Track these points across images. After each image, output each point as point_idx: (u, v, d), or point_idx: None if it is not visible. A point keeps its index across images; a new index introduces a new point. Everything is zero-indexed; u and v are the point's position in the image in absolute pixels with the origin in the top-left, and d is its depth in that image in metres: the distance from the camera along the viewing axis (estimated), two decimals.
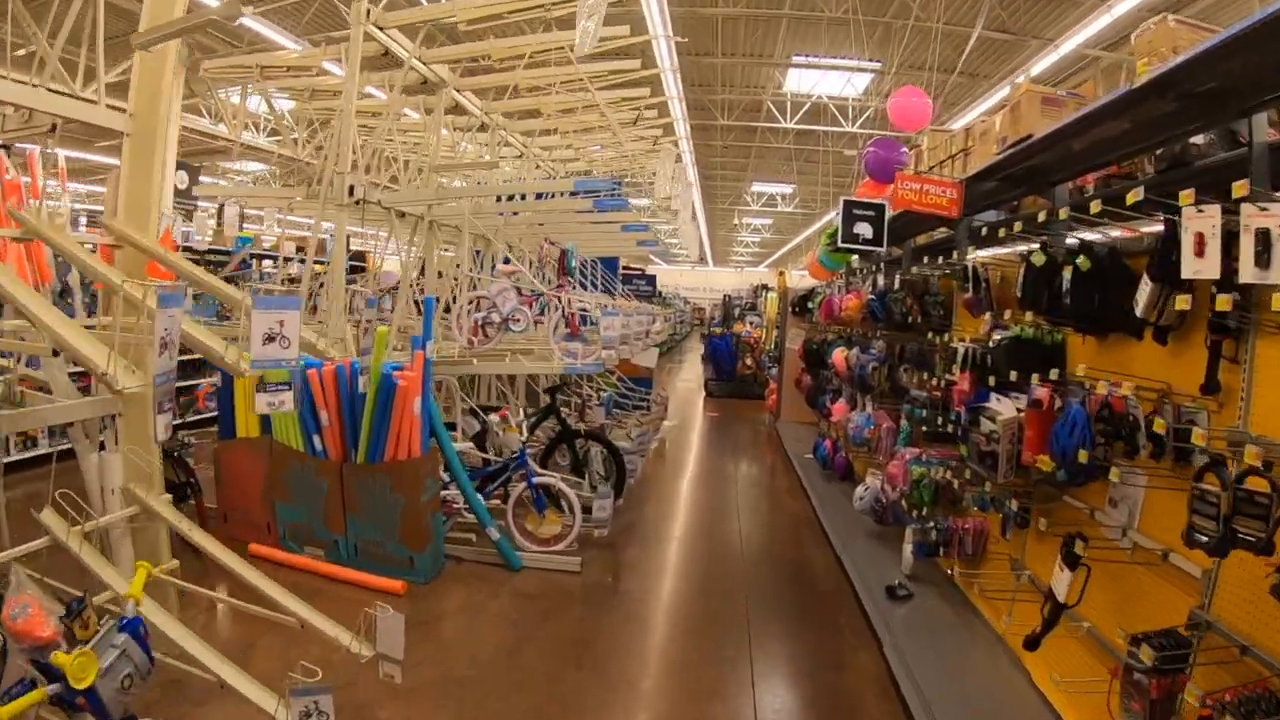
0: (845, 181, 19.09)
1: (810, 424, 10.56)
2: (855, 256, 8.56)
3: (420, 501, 5.23)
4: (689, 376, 19.84)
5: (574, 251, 6.09)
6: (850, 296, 5.89)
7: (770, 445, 10.57)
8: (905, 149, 6.51)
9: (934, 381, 4.87)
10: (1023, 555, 4.06)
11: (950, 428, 4.23)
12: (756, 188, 25.80)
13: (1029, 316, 3.39)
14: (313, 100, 7.84)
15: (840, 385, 7.15)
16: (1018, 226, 3.69)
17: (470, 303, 6.43)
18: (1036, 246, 3.43)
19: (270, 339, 2.61)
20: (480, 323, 6.29)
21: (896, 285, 5.26)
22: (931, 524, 4.58)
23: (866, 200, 5.08)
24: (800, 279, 16.26)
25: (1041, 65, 11.43)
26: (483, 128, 7.94)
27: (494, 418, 5.66)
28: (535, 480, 5.63)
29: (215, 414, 7.36)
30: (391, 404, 5.15)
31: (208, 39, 12.10)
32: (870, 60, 13.51)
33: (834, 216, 8.40)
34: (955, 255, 5.22)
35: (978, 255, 4.35)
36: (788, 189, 25.29)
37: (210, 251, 10.59)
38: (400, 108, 7.48)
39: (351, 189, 5.93)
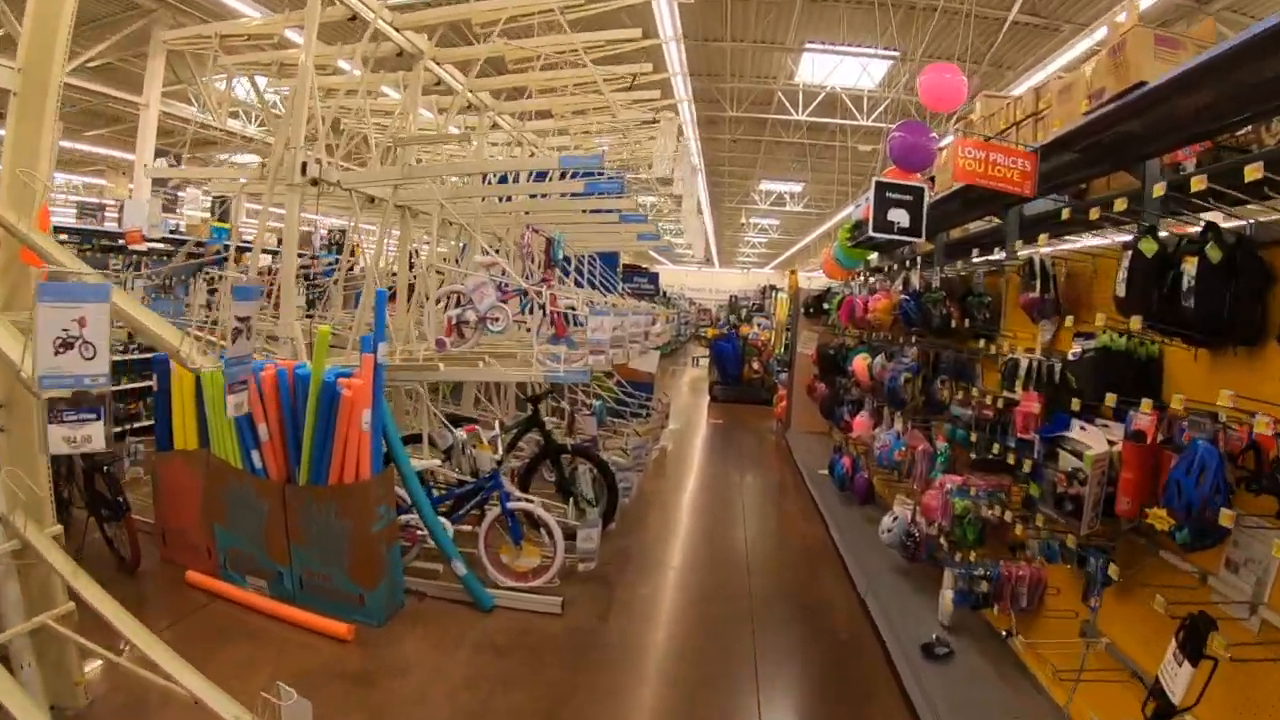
0: (859, 181, 18.26)
1: (822, 434, 9.77)
2: (874, 254, 7.79)
3: (370, 531, 4.47)
4: (693, 379, 19.05)
5: (561, 241, 5.32)
6: (879, 297, 5.11)
7: (780, 458, 9.77)
8: (934, 134, 5.71)
9: (978, 397, 4.09)
10: (1095, 616, 3.27)
11: (1010, 457, 3.43)
12: (765, 186, 24.99)
13: (1135, 322, 2.59)
14: (282, 76, 7.07)
15: (861, 396, 6.36)
16: (1094, 213, 2.90)
17: (444, 299, 5.68)
18: (1137, 234, 2.64)
19: (66, 346, 1.83)
20: (455, 321, 5.53)
21: (935, 284, 4.48)
22: (980, 571, 3.79)
23: (903, 182, 4.29)
24: (809, 280, 15.47)
25: (1073, 54, 10.62)
26: (470, 108, 7.19)
27: (461, 433, 4.89)
28: (510, 505, 4.86)
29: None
30: (335, 417, 4.39)
31: (184, 16, 11.41)
32: (889, 49, 12.72)
33: (850, 213, 7.62)
34: (1004, 249, 4.44)
35: (1041, 249, 3.55)
36: (797, 187, 24.47)
37: (166, 240, 9.85)
38: (376, 85, 6.73)
39: (304, 167, 5.16)
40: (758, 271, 44.42)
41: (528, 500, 4.90)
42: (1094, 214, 3.03)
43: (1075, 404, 2.90)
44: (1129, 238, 2.77)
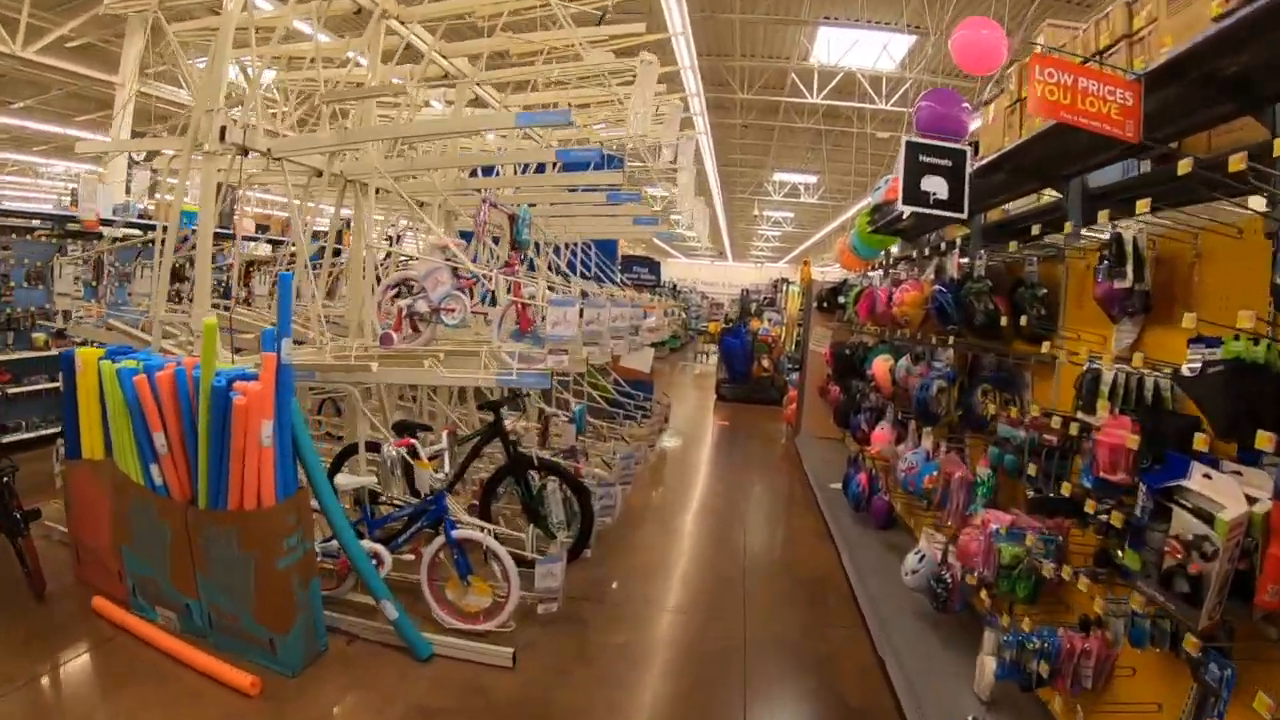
0: (876, 171, 17.30)
1: (835, 440, 8.90)
2: (895, 245, 6.91)
3: (276, 567, 3.68)
4: (701, 375, 18.19)
5: (526, 218, 4.47)
6: (907, 288, 4.22)
7: (788, 467, 8.89)
8: (967, 104, 4.83)
9: (1037, 416, 3.22)
10: (1189, 707, 2.41)
11: (1089, 505, 2.56)
12: (778, 177, 24.05)
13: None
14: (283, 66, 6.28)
15: (881, 403, 5.49)
16: (1236, 163, 2.01)
17: (392, 287, 4.86)
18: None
19: None
20: (406, 312, 4.71)
21: (978, 272, 3.61)
22: (1034, 642, 2.93)
23: (941, 143, 3.42)
24: (823, 273, 14.57)
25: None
26: (446, 78, 6.36)
27: (390, 449, 4.07)
28: (455, 534, 4.05)
29: None
30: (229, 429, 3.59)
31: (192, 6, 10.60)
32: (910, 26, 11.81)
33: (869, 202, 6.75)
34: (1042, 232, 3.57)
35: (1129, 222, 2.68)
36: (811, 178, 23.53)
37: (134, 225, 9.09)
38: (341, 52, 5.90)
39: (224, 131, 4.36)
40: (771, 266, 43.54)
41: (475, 528, 4.08)
42: (1235, 162, 2.15)
43: (1200, 441, 2.03)
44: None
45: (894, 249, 6.94)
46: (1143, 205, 2.34)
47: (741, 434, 11.29)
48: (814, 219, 29.78)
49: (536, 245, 6.49)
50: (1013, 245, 3.47)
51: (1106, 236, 2.85)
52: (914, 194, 3.36)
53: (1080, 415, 2.68)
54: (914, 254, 5.77)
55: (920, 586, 4.03)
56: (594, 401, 8.58)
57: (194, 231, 8.44)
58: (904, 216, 4.59)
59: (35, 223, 8.00)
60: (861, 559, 5.12)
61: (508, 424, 5.47)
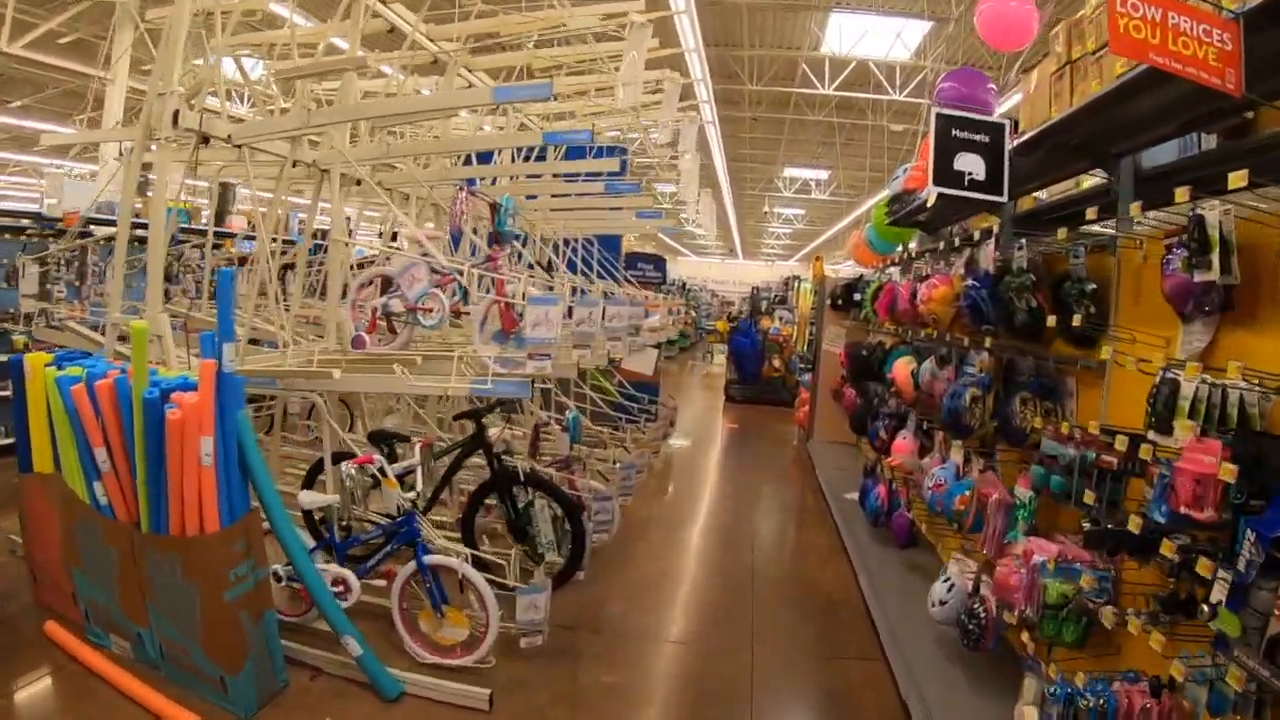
0: (890, 166, 16.79)
1: (850, 444, 8.42)
2: (914, 240, 6.45)
3: (223, 599, 3.29)
4: (711, 375, 17.74)
5: (509, 208, 4.05)
6: (935, 283, 3.76)
7: (800, 475, 8.44)
8: (992, 85, 4.37)
9: (1093, 433, 2.77)
10: None
11: (1167, 547, 2.11)
12: (789, 172, 23.53)
13: None
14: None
15: (902, 409, 5.04)
16: None
17: (367, 284, 4.47)
18: None
19: None
20: (381, 312, 4.31)
21: (1019, 265, 3.15)
22: (1087, 698, 2.48)
23: (977, 116, 2.97)
24: (836, 272, 14.06)
25: None
26: (435, 64, 5.96)
27: (348, 466, 3.65)
28: (427, 560, 3.63)
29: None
30: (165, 446, 3.19)
31: None
32: (925, 12, 11.31)
33: (886, 194, 6.28)
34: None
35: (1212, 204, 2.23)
36: (823, 174, 23.01)
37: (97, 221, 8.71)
38: (322, 36, 5.49)
39: (176, 116, 3.97)
40: (782, 264, 43.04)
41: (451, 554, 3.66)
42: None
43: None
44: None
45: (913, 244, 6.48)
46: (1238, 178, 1.88)
47: (751, 437, 10.85)
48: (826, 216, 29.23)
49: (527, 238, 6.07)
50: (1061, 233, 3.01)
51: (1168, 221, 2.40)
52: (947, 174, 2.92)
53: (1153, 435, 2.23)
54: (936, 247, 5.32)
55: (949, 619, 3.58)
56: (596, 405, 8.16)
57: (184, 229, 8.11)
58: (927, 204, 4.13)
59: (23, 222, 7.67)
60: (881, 581, 4.67)
61: (493, 433, 5.07)
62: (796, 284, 16.30)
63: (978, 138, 2.99)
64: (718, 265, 44.44)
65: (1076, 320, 2.88)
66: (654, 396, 9.46)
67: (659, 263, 11.55)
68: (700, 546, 5.78)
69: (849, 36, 12.55)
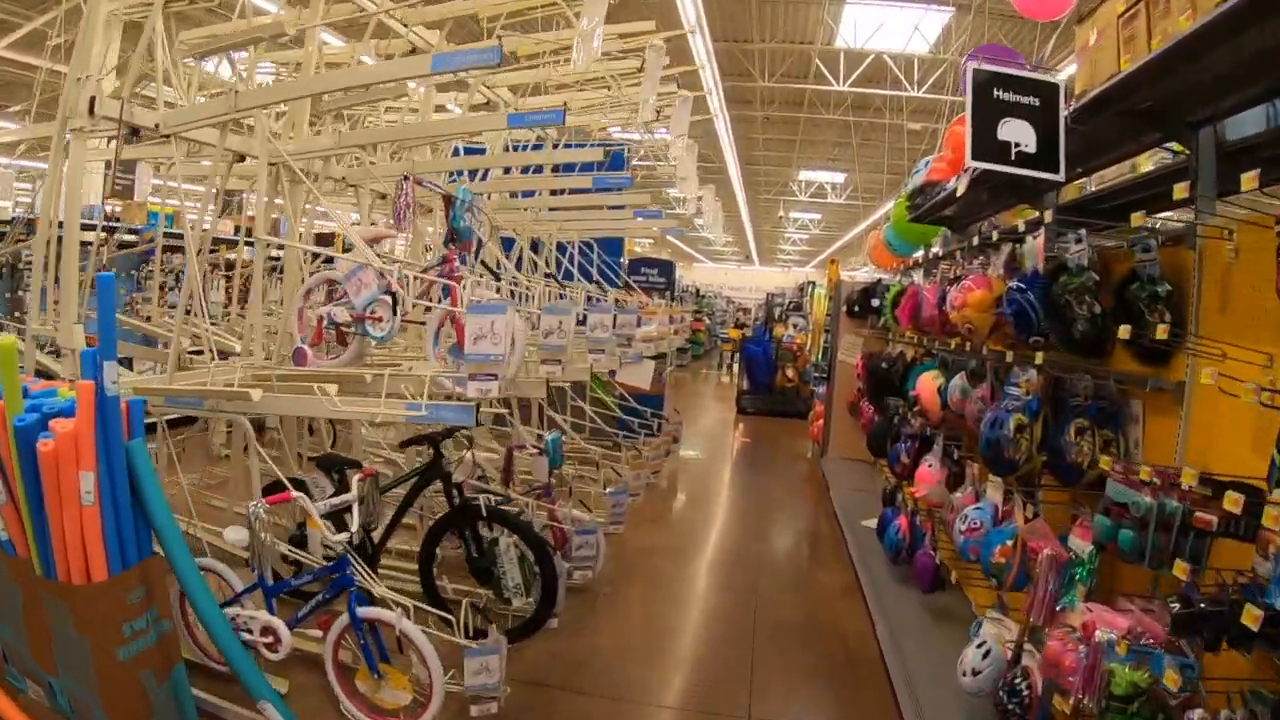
0: (909, 167, 16.13)
1: (866, 462, 7.78)
2: (938, 240, 5.82)
3: (117, 658, 2.73)
4: (723, 385, 17.10)
5: (466, 199, 3.47)
6: (970, 286, 3.08)
7: (813, 496, 7.78)
8: (1024, 63, 3.74)
9: (1182, 479, 2.13)
10: None
11: None
12: (804, 175, 22.89)
13: None
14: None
15: (927, 430, 4.39)
16: None
17: (315, 289, 3.92)
18: None
19: None
20: (326, 322, 3.75)
21: (1078, 262, 2.53)
22: None
23: (1026, 73, 2.35)
24: (852, 277, 13.39)
25: None
26: (414, 52, 5.41)
27: (256, 505, 3.06)
28: (361, 614, 3.05)
29: None
30: (40, 481, 2.63)
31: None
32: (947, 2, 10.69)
33: (907, 188, 5.66)
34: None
35: None
36: (839, 177, 22.36)
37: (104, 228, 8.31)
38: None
39: (93, 103, 3.46)
40: (798, 270, 42.46)
41: (388, 606, 3.07)
42: None
43: None
44: None
45: (936, 246, 5.85)
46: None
47: (762, 453, 10.21)
48: (843, 221, 28.57)
49: (506, 240, 5.51)
50: (1137, 217, 2.38)
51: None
52: (989, 145, 2.32)
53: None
54: (967, 244, 4.67)
55: (983, 692, 2.94)
56: (592, 421, 7.57)
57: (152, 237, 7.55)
58: (957, 194, 3.51)
59: None
60: (902, 630, 4.03)
61: (464, 457, 4.49)
62: (811, 289, 15.63)
63: (1026, 100, 2.38)
64: (734, 271, 44.17)
65: (1159, 332, 2.25)
66: (658, 410, 8.85)
67: (665, 267, 10.95)
68: (699, 585, 5.15)
69: (864, 29, 11.94)
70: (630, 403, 8.40)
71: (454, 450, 4.43)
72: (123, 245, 8.24)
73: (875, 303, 6.46)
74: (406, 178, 3.45)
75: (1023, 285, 2.64)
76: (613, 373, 6.99)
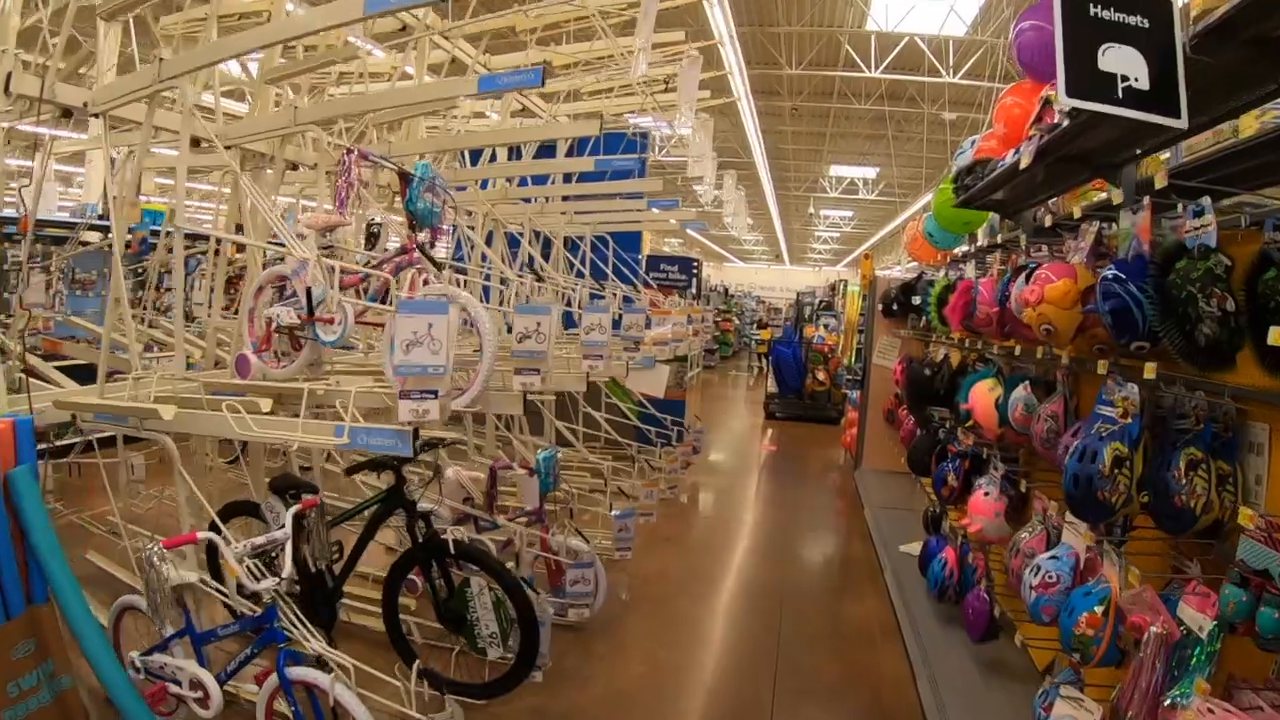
0: (945, 161, 15.31)
1: (905, 474, 7.09)
2: (984, 230, 5.16)
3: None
4: (752, 387, 16.43)
5: (425, 177, 2.91)
6: (1048, 275, 2.35)
7: (846, 514, 7.12)
8: None
9: None
10: None
11: None
12: (835, 171, 22.09)
13: None
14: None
15: (984, 452, 3.74)
16: None
17: (265, 287, 3.40)
18: None
19: None
20: (274, 325, 3.22)
21: (1202, 244, 1.88)
22: None
23: None
24: (887, 275, 12.62)
25: None
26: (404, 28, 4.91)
27: (152, 548, 2.51)
28: (290, 674, 2.51)
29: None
30: None
31: None
32: None
33: (952, 168, 5.00)
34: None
35: None
36: (871, 172, 21.53)
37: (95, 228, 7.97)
38: None
39: (9, 80, 3.00)
40: (830, 270, 41.66)
41: (318, 666, 2.52)
42: None
43: None
44: None
45: (981, 238, 5.18)
46: None
47: (790, 463, 9.54)
48: (876, 219, 27.72)
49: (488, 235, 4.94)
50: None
51: None
52: (1089, 79, 1.69)
53: None
54: (1032, 229, 4.00)
55: None
56: (607, 432, 7.00)
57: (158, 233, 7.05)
58: (1021, 167, 2.87)
59: None
60: (947, 684, 3.39)
61: (449, 475, 3.94)
62: (843, 288, 14.90)
63: (1133, 21, 1.75)
64: (764, 271, 43.79)
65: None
66: (679, 417, 8.24)
67: (685, 264, 10.31)
68: (713, 623, 4.52)
69: (896, 11, 11.24)
70: (649, 409, 7.81)
71: (425, 469, 3.89)
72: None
73: (916, 300, 5.77)
74: (350, 151, 2.90)
75: (1122, 274, 2.00)
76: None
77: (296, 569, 3.53)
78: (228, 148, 3.71)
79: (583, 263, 6.86)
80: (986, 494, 3.33)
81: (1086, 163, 3.20)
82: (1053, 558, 2.44)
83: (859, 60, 12.49)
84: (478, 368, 2.85)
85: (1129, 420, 2.10)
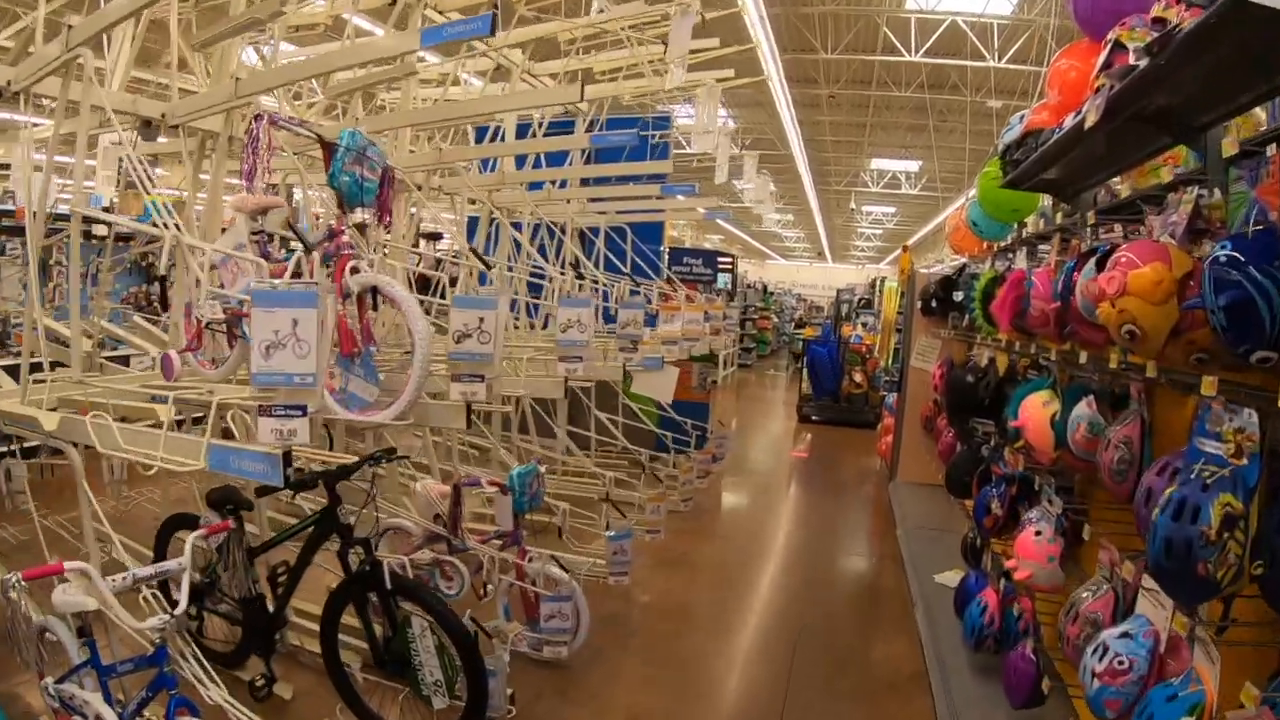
0: (983, 154, 14.47)
1: (941, 487, 6.43)
2: (1035, 217, 4.52)
3: None
4: (788, 388, 15.76)
5: (353, 146, 2.42)
6: (1132, 257, 1.74)
7: (877, 533, 6.48)
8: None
9: None
10: None
11: None
12: (876, 164, 21.25)
13: None
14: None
15: (1036, 481, 3.13)
16: None
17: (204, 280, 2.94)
18: None
19: None
20: (203, 322, 2.77)
21: None
22: None
23: None
24: (929, 271, 11.88)
25: None
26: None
27: (13, 581, 2.04)
28: None
29: None
30: None
31: None
32: None
33: (999, 145, 4.38)
34: None
35: None
36: (913, 165, 20.65)
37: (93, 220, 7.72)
38: None
39: None
40: (872, 268, 40.78)
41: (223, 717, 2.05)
42: None
43: None
44: None
45: (1031, 225, 4.52)
46: None
47: (822, 471, 8.90)
48: (918, 215, 26.76)
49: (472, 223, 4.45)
50: None
51: None
52: None
53: None
54: (1077, 219, 3.37)
55: None
56: (619, 439, 6.49)
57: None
58: (1086, 126, 2.28)
59: None
60: None
61: (419, 489, 3.47)
62: (881, 284, 14.17)
63: None
64: (805, 269, 43.50)
65: None
66: (701, 421, 7.68)
67: (710, 257, 9.72)
68: (715, 666, 3.91)
69: None
70: (669, 413, 7.27)
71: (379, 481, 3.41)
72: (120, 238, 7.59)
73: (958, 296, 5.12)
74: (260, 116, 2.42)
75: (1240, 254, 1.42)
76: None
77: (235, 595, 3.11)
78: (174, 127, 3.31)
79: (588, 254, 6.35)
80: (1038, 533, 2.72)
81: (1164, 125, 2.59)
82: (1124, 636, 1.84)
83: (898, 44, 11.78)
84: (409, 373, 2.35)
85: (1243, 461, 1.50)
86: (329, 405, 2.49)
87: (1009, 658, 2.96)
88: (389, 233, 3.19)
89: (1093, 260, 2.07)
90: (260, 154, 2.41)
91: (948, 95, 13.87)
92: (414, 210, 4.37)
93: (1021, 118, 3.54)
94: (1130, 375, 2.19)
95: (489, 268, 4.63)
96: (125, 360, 5.45)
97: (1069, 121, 2.71)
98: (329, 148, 2.46)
